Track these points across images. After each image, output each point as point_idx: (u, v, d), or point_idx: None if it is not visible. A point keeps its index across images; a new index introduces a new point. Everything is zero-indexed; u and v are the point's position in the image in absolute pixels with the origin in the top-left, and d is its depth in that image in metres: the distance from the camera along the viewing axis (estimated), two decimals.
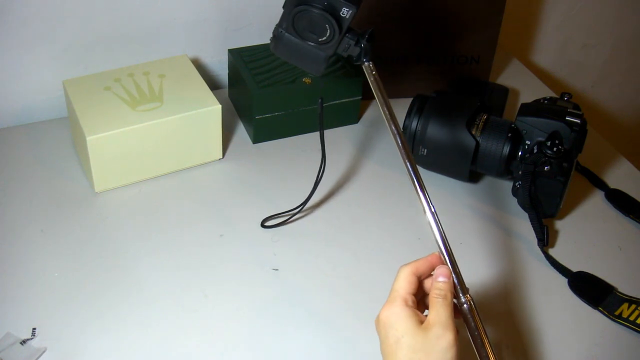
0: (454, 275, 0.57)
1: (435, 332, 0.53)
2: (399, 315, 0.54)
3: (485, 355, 0.55)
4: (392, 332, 0.54)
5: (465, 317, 0.56)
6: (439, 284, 0.56)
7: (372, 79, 0.66)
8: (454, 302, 0.56)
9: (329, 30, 0.66)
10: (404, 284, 0.56)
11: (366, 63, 0.67)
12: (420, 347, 0.52)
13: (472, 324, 0.55)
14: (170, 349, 0.68)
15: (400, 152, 0.62)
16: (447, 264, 0.58)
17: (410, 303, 0.55)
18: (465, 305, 0.56)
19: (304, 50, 0.69)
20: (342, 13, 0.65)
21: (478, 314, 0.56)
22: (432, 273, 0.58)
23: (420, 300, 0.58)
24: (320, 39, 0.68)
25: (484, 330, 0.55)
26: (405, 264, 0.57)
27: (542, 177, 0.81)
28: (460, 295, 0.56)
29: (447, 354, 0.52)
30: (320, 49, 0.69)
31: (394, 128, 0.63)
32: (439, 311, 0.54)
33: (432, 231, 0.58)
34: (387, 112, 0.64)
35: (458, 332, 0.54)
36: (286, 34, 0.69)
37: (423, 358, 0.52)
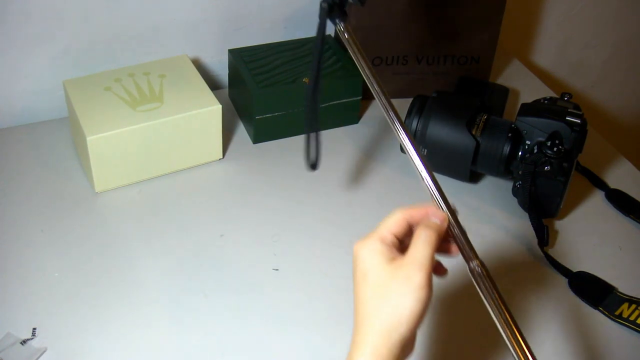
0: (462, 240, 0.52)
1: (406, 272, 0.48)
2: (370, 249, 0.50)
3: (505, 321, 0.49)
4: (360, 266, 0.50)
5: (478, 283, 0.51)
6: (428, 222, 0.51)
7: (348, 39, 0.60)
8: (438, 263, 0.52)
9: None
10: (389, 223, 0.52)
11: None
12: (383, 284, 0.48)
13: (487, 289, 0.50)
14: (170, 349, 0.68)
15: (384, 108, 0.58)
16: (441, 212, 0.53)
17: (388, 241, 0.51)
18: (477, 268, 0.51)
19: None
20: None
21: (491, 280, 0.50)
22: None
23: (406, 247, 0.52)
24: None
25: (500, 295, 0.50)
26: (401, 207, 0.52)
27: (542, 177, 0.81)
28: (470, 261, 0.51)
29: (410, 297, 0.47)
30: None
31: (384, 100, 0.59)
32: (417, 249, 0.49)
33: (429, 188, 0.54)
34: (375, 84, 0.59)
35: (445, 269, 0.52)
36: None
37: (383, 296, 0.48)
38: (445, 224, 0.52)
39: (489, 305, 0.50)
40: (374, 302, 0.48)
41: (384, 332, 0.47)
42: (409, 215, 0.52)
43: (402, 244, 0.52)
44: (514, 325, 0.48)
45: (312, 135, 0.69)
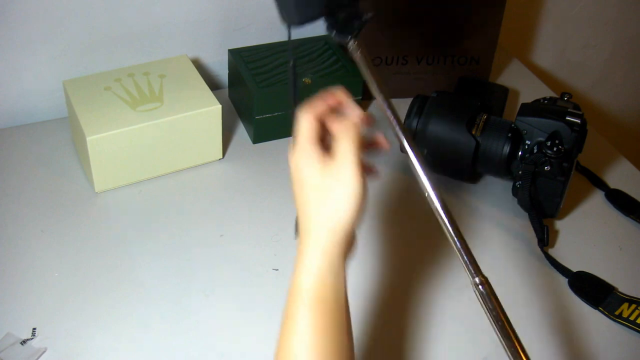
0: (465, 256, 0.52)
1: (336, 171, 0.51)
2: (300, 157, 0.52)
3: (507, 337, 0.51)
4: (297, 176, 0.53)
5: (484, 300, 0.52)
6: (344, 121, 0.53)
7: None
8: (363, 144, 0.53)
9: None
10: (304, 128, 0.53)
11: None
12: (319, 188, 0.51)
13: (490, 306, 0.51)
14: (170, 349, 0.68)
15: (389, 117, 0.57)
16: (352, 101, 0.54)
17: (314, 142, 0.52)
18: (480, 287, 0.51)
19: None
20: None
21: (495, 297, 0.52)
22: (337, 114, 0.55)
23: (328, 145, 0.54)
24: None
25: (503, 312, 0.51)
26: (305, 109, 0.54)
27: (542, 177, 0.81)
28: (474, 276, 0.52)
29: (345, 194, 0.50)
30: None
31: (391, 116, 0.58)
32: (341, 147, 0.51)
33: (438, 213, 0.54)
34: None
35: (374, 171, 0.55)
36: None
37: (321, 199, 0.51)
38: (360, 114, 0.54)
39: (493, 324, 0.51)
40: (313, 206, 0.51)
41: (328, 231, 0.50)
42: (317, 113, 0.54)
43: (324, 142, 0.54)
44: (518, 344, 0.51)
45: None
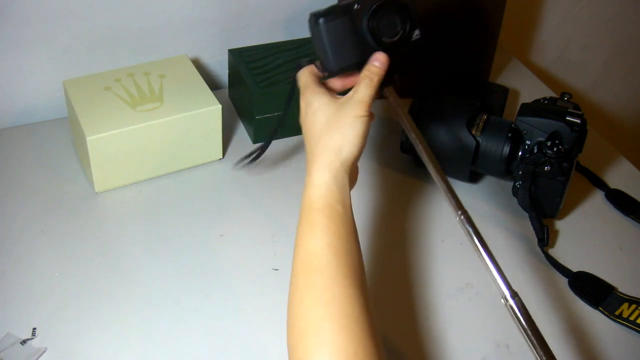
0: (499, 276, 0.55)
1: (351, 104, 0.59)
2: (311, 95, 0.62)
3: (540, 348, 0.53)
4: (309, 109, 0.61)
5: (515, 313, 0.54)
6: (371, 67, 0.62)
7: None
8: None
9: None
10: (305, 78, 0.64)
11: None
12: (332, 117, 0.59)
13: (522, 319, 0.53)
14: (170, 349, 0.68)
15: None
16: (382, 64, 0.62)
17: (316, 83, 0.63)
18: (511, 301, 0.54)
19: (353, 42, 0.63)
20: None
21: (527, 313, 0.54)
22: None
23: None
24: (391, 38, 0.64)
25: (534, 325, 0.53)
26: None
27: (542, 177, 0.81)
28: (508, 294, 0.54)
29: (354, 125, 0.59)
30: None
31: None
32: (360, 89, 0.60)
33: (470, 234, 0.58)
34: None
35: (374, 116, 0.61)
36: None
37: (332, 126, 0.59)
38: (385, 66, 0.62)
39: (526, 337, 0.53)
40: (325, 132, 0.59)
41: (336, 150, 0.58)
42: (312, 70, 0.65)
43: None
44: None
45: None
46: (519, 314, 0.53)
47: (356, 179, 0.63)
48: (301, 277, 0.54)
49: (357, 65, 0.64)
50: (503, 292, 0.54)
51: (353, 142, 0.59)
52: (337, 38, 0.62)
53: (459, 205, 0.59)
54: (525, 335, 0.53)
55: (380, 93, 0.64)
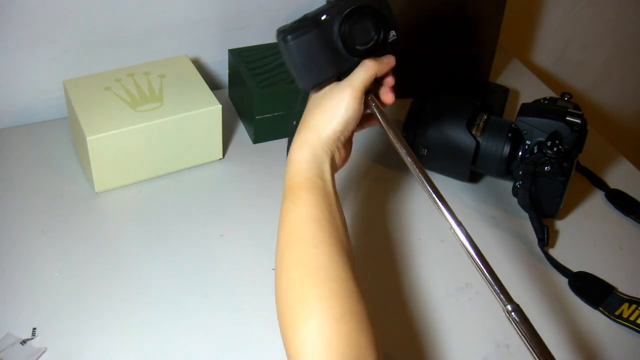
0: (495, 285, 0.54)
1: (340, 86, 0.61)
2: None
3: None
4: (310, 97, 0.64)
5: (517, 325, 0.53)
6: (377, 59, 0.64)
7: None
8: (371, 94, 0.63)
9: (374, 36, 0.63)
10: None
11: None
12: (323, 96, 0.61)
13: (524, 331, 0.52)
14: (170, 349, 0.68)
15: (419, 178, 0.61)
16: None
17: None
18: (513, 314, 0.53)
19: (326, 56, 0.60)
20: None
21: (528, 321, 0.53)
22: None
23: None
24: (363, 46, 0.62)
25: (538, 336, 0.53)
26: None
27: (542, 177, 0.81)
28: (506, 304, 0.53)
29: (343, 102, 0.60)
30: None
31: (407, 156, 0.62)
32: (354, 75, 0.61)
33: (463, 244, 0.56)
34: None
35: (363, 105, 0.62)
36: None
37: (324, 101, 0.61)
38: (390, 66, 0.65)
39: (530, 348, 0.52)
40: (310, 111, 0.61)
41: (315, 132, 0.60)
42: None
43: None
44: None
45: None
46: (521, 327, 0.53)
47: (346, 159, 0.65)
48: (287, 251, 0.56)
49: (333, 79, 0.62)
50: (505, 307, 0.54)
51: (335, 121, 0.60)
52: (309, 53, 0.59)
53: (456, 221, 0.57)
54: (529, 347, 0.52)
55: (365, 100, 0.63)
